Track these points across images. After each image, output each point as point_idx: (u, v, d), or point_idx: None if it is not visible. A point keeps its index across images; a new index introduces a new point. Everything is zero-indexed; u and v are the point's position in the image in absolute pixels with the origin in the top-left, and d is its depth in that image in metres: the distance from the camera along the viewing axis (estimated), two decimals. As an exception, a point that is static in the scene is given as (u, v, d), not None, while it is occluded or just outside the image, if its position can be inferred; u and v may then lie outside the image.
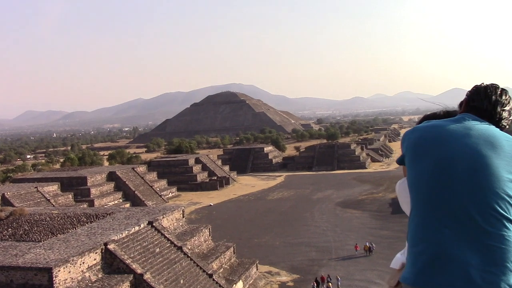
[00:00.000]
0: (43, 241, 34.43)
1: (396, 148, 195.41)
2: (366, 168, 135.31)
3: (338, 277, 45.28)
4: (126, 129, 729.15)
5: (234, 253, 46.51)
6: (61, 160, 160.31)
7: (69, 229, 37.59)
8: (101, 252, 32.61)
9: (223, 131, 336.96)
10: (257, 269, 46.68)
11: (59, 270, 28.30)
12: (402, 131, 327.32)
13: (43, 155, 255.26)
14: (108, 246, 33.02)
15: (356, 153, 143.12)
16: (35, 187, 73.67)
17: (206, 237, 45.59)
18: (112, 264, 32.82)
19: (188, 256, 38.59)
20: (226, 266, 43.43)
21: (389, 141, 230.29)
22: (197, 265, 38.38)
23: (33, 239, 35.02)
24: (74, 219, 40.74)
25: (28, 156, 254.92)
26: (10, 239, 35.59)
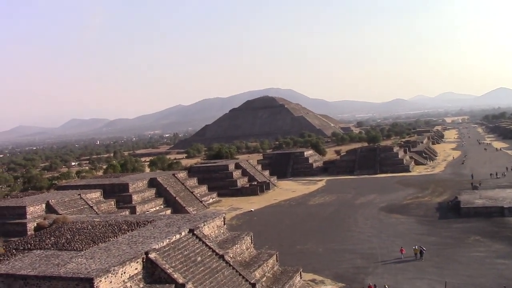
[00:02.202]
0: (85, 250, 34.12)
1: (441, 151, 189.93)
2: (410, 171, 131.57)
3: (386, 286, 43.30)
4: (166, 135, 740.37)
5: (277, 261, 45.21)
6: (104, 167, 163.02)
7: (110, 237, 37.21)
8: (142, 261, 31.98)
9: (262, 136, 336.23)
10: (300, 277, 45.23)
11: (101, 281, 27.77)
12: (446, 133, 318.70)
13: (87, 162, 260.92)
14: (149, 255, 32.37)
15: (399, 156, 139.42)
16: (79, 194, 74.51)
17: (248, 245, 44.48)
18: (153, 273, 32.13)
19: (230, 265, 37.57)
20: (269, 275, 42.19)
21: (433, 143, 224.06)
22: (240, 274, 37.29)
23: (75, 248, 34.77)
24: (115, 227, 40.42)
25: (73, 163, 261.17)
26: (52, 248, 35.47)
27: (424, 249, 52.79)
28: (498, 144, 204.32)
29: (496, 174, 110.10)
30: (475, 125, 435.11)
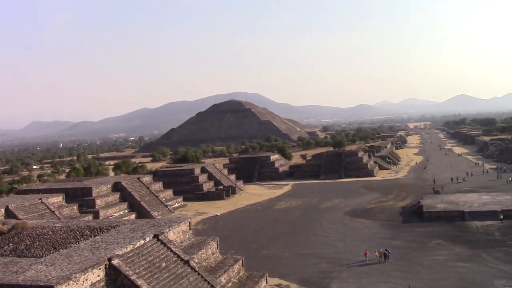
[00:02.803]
0: (45, 256, 33.06)
1: (404, 156, 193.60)
2: (374, 176, 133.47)
3: (351, 290, 43.68)
4: (132, 138, 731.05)
5: (242, 266, 44.92)
6: (67, 170, 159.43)
7: (72, 243, 36.19)
8: (105, 268, 31.14)
9: (229, 139, 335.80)
10: (266, 283, 45.06)
11: (61, 288, 26.86)
12: (409, 138, 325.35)
13: (49, 165, 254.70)
14: (112, 261, 31.57)
15: (364, 161, 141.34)
16: (40, 199, 72.46)
17: (214, 250, 44.06)
18: (116, 280, 31.32)
19: (195, 271, 37.06)
20: (234, 280, 41.87)
21: (396, 148, 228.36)
22: (205, 280, 36.83)
23: (34, 254, 33.66)
24: (78, 232, 39.36)
25: (35, 167, 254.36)
26: (11, 255, 34.24)
27: (389, 252, 53.56)
28: (458, 150, 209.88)
29: (457, 179, 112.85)
30: (437, 131, 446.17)
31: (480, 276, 45.85)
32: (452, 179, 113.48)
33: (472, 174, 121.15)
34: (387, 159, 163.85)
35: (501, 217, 67.65)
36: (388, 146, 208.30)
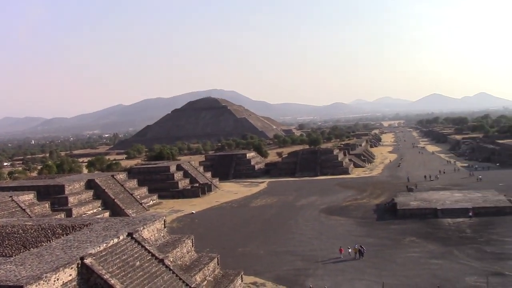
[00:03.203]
0: (15, 256, 32.20)
1: (378, 154, 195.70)
2: (349, 173, 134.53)
3: (326, 287, 43.81)
4: (106, 135, 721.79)
5: (218, 264, 44.65)
6: (39, 167, 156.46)
7: (43, 242, 35.39)
8: (77, 267, 30.46)
9: (205, 137, 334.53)
10: (242, 281, 44.89)
11: (31, 288, 26.15)
12: (383, 137, 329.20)
13: (21, 162, 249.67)
14: (85, 260, 30.91)
15: (339, 159, 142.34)
16: (10, 196, 70.77)
17: (189, 248, 43.66)
18: (89, 280, 30.69)
19: (170, 269, 36.63)
20: (210, 279, 41.57)
21: (371, 147, 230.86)
22: (180, 279, 36.43)
23: (3, 253, 32.79)
24: (49, 231, 38.51)
25: (5, 164, 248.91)
26: (-21, 254, 33.30)
27: (363, 249, 54.05)
28: (431, 148, 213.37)
29: (430, 177, 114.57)
30: (410, 129, 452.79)
31: (452, 273, 46.56)
32: (425, 176, 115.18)
33: (444, 172, 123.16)
34: (362, 157, 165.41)
35: (470, 214, 69.02)
36: (363, 144, 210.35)
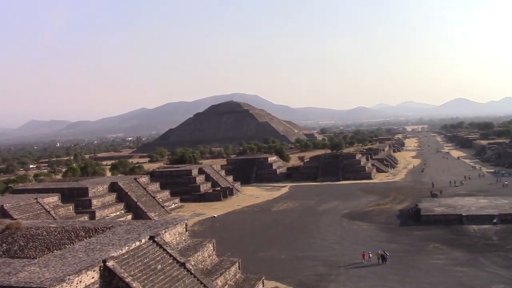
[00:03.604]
0: (39, 257, 32.55)
1: (401, 158, 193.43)
2: (371, 178, 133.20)
3: (348, 294, 43.34)
4: (129, 138, 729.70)
5: (239, 269, 44.54)
6: (63, 170, 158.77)
7: (66, 244, 35.70)
8: (100, 270, 30.68)
9: (226, 141, 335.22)
10: (263, 285, 44.69)
11: (54, 290, 26.39)
12: (407, 141, 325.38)
13: (46, 165, 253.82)
14: (107, 263, 31.11)
15: (361, 164, 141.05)
16: (35, 198, 71.92)
17: (210, 252, 43.64)
18: (111, 282, 30.87)
19: (191, 273, 36.63)
20: (231, 283, 41.45)
21: (394, 151, 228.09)
22: (201, 283, 36.42)
23: (28, 255, 33.16)
24: (72, 233, 38.88)
25: (31, 166, 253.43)
26: (4, 256, 33.73)
27: (386, 254, 53.35)
28: (456, 153, 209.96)
29: (455, 182, 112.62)
30: (434, 134, 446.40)
31: (478, 281, 45.52)
32: (450, 182, 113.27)
33: (469, 178, 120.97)
34: (385, 161, 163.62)
35: (495, 221, 67.51)
36: (386, 148, 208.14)
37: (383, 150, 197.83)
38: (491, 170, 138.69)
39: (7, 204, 66.37)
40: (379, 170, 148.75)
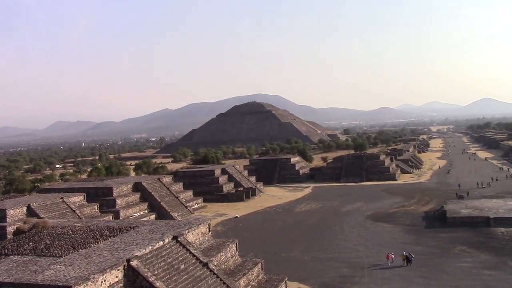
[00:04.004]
0: (64, 256, 32.96)
1: (426, 159, 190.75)
2: (396, 179, 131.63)
3: (372, 296, 42.82)
4: (153, 139, 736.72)
5: (262, 269, 44.36)
6: (89, 170, 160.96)
7: (91, 243, 36.10)
8: (124, 269, 30.90)
9: (249, 141, 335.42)
10: (286, 286, 44.43)
11: (79, 289, 26.66)
12: (432, 142, 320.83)
13: (72, 164, 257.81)
14: (131, 262, 31.32)
15: (386, 164, 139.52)
16: (61, 198, 73.03)
17: (233, 253, 43.59)
18: (135, 282, 31.05)
19: (214, 273, 36.63)
20: (254, 284, 41.32)
21: (419, 152, 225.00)
22: (224, 283, 36.38)
23: (54, 254, 33.61)
24: (97, 232, 39.29)
25: (57, 166, 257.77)
26: (30, 254, 34.26)
27: (411, 256, 52.65)
28: (482, 154, 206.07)
29: (481, 184, 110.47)
30: (460, 135, 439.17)
31: (506, 285, 44.50)
32: (478, 183, 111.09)
33: (497, 180, 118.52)
34: (410, 162, 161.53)
35: None
36: (411, 149, 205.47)
37: (408, 150, 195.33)
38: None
39: (34, 203, 67.52)
40: (403, 171, 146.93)
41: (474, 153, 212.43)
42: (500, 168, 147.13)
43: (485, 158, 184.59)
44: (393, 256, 53.37)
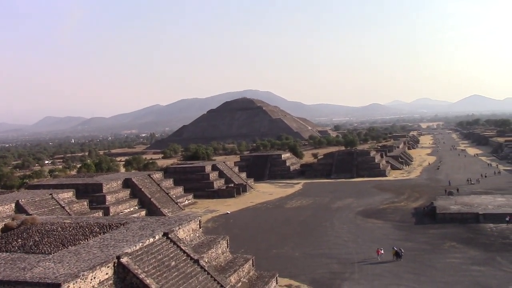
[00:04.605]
0: (53, 253, 32.69)
1: (416, 156, 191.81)
2: (386, 176, 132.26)
3: (363, 292, 42.96)
4: (143, 135, 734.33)
5: (253, 266, 44.38)
6: (78, 166, 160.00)
7: (81, 240, 35.85)
8: (114, 266, 30.74)
9: (240, 137, 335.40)
10: (277, 283, 44.50)
11: (69, 286, 26.43)
12: (422, 138, 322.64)
13: (61, 160, 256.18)
14: (121, 259, 31.15)
15: (376, 161, 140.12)
16: (50, 194, 72.49)
17: (224, 249, 43.54)
18: (125, 279, 30.90)
19: (205, 270, 36.57)
20: (244, 280, 41.31)
21: (409, 148, 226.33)
22: (215, 280, 36.33)
23: (43, 251, 33.33)
24: (87, 229, 39.03)
25: (46, 162, 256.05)
26: (19, 251, 33.94)
27: (401, 251, 52.96)
28: (472, 150, 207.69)
29: (470, 180, 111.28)
30: (450, 131, 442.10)
31: (495, 281, 44.86)
32: (468, 180, 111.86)
33: (486, 176, 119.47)
34: (400, 159, 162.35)
35: (507, 219, 66.48)
36: (401, 146, 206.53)
37: (398, 147, 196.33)
38: (508, 168, 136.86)
39: (23, 200, 66.93)
40: (393, 168, 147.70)
41: (463, 150, 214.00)
42: (488, 164, 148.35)
43: (474, 155, 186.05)
44: (382, 252, 53.67)
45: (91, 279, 28.44)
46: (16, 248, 34.68)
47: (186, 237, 40.80)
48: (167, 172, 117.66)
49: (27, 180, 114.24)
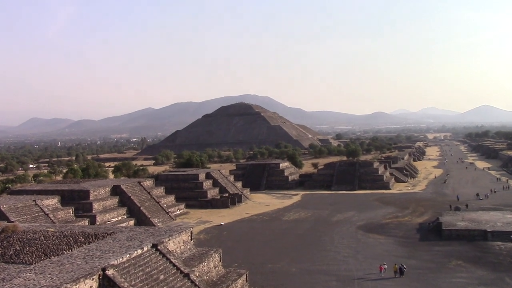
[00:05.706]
0: (35, 263, 32.56)
1: (422, 168, 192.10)
2: (389, 188, 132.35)
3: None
4: (134, 139, 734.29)
5: (246, 281, 44.27)
6: (64, 171, 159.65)
7: (64, 250, 35.69)
8: (99, 278, 30.60)
9: (236, 144, 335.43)
10: (271, 300, 44.33)
11: (50, 299, 26.32)
12: (428, 150, 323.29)
13: (46, 165, 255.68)
14: (107, 271, 31.01)
15: (379, 172, 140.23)
16: (34, 200, 72.27)
17: (216, 263, 43.40)
18: (110, 292, 30.75)
19: (195, 285, 36.42)
20: (237, 296, 41.17)
21: (414, 160, 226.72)
22: (206, 295, 36.18)
23: (24, 261, 33.17)
24: (71, 239, 38.86)
25: (31, 166, 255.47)
26: (-2, 260, 33.78)
27: (404, 267, 52.93)
28: (481, 164, 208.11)
29: (478, 196, 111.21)
30: (458, 143, 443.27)
31: (503, 302, 44.77)
32: (477, 195, 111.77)
33: (495, 191, 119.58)
34: (404, 171, 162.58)
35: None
36: (406, 157, 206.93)
37: (403, 158, 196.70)
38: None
39: (4, 206, 66.70)
40: (398, 180, 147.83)
41: (472, 163, 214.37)
42: (497, 178, 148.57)
43: (483, 168, 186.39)
44: (385, 267, 53.59)
45: (74, 292, 28.26)
46: (-4, 257, 34.48)
47: (177, 249, 40.65)
48: (158, 179, 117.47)
49: (9, 185, 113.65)
